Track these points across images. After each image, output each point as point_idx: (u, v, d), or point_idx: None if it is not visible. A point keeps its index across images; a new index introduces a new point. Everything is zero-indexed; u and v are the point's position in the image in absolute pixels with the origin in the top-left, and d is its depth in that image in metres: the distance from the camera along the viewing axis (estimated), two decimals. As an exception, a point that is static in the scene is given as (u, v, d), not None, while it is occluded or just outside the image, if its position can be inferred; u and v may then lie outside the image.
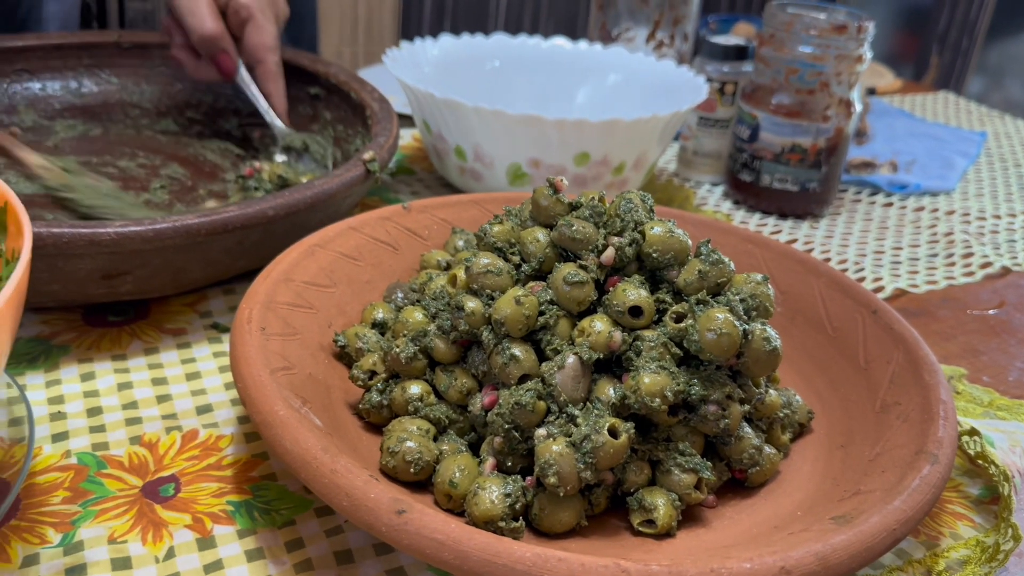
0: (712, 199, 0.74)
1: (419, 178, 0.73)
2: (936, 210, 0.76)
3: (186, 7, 0.63)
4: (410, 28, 2.00)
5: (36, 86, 0.73)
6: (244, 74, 0.67)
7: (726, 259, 0.39)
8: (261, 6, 0.65)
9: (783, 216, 0.71)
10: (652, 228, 0.39)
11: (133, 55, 0.75)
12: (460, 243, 0.51)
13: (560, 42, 0.78)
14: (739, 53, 0.72)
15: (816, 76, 0.66)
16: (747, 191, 0.71)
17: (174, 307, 0.51)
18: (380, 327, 0.45)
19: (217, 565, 0.35)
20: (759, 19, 1.03)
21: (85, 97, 0.73)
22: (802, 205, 0.70)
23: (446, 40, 0.75)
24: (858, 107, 0.68)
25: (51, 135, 0.70)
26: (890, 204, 0.76)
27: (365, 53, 1.93)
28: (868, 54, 0.67)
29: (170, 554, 0.36)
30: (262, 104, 0.67)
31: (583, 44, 0.78)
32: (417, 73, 0.70)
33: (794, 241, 0.68)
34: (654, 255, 0.39)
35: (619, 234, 0.40)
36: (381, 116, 0.63)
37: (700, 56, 0.74)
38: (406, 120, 0.83)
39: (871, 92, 1.05)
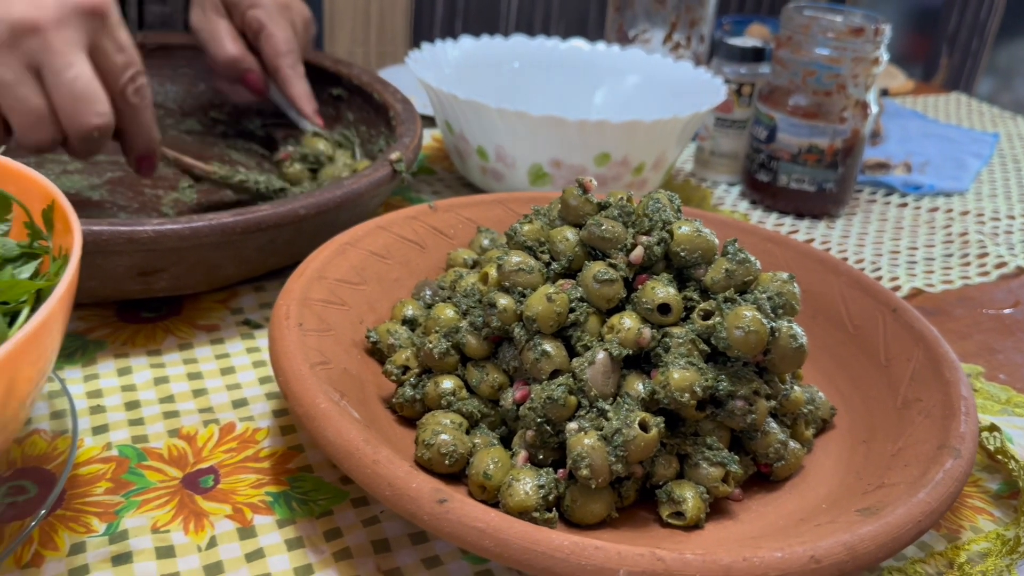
0: (729, 199, 0.75)
1: (439, 178, 0.74)
2: (950, 211, 0.77)
3: (206, 35, 0.65)
4: (422, 29, 2.01)
5: (62, 86, 0.74)
6: (273, 87, 0.68)
7: (752, 258, 0.40)
8: (271, 15, 0.65)
9: (800, 216, 0.72)
10: (680, 227, 0.40)
11: (157, 56, 0.75)
12: (485, 242, 0.52)
13: (578, 44, 0.79)
14: (756, 55, 0.73)
15: (833, 78, 0.67)
16: (764, 191, 0.72)
17: (206, 304, 0.52)
18: (410, 324, 0.46)
19: (258, 554, 0.36)
20: (773, 20, 1.04)
21: (111, 97, 0.74)
22: (819, 205, 0.71)
23: (466, 41, 0.76)
24: (874, 109, 0.69)
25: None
26: (905, 204, 0.77)
27: (377, 53, 1.93)
28: (884, 56, 0.67)
29: (212, 543, 0.37)
30: (292, 115, 0.69)
31: (601, 45, 0.79)
32: (438, 74, 0.71)
33: (811, 241, 0.69)
34: (682, 254, 0.40)
35: (647, 233, 0.41)
36: (405, 117, 0.64)
37: (717, 57, 0.75)
38: (426, 120, 0.84)
39: (884, 93, 1.05)
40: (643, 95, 0.75)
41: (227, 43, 0.64)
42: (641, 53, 0.77)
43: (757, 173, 0.72)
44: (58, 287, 0.31)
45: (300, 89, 0.66)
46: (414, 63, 0.69)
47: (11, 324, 0.33)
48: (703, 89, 0.70)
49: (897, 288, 0.63)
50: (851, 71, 0.67)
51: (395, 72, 0.94)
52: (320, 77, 0.72)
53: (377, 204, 0.58)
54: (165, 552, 0.36)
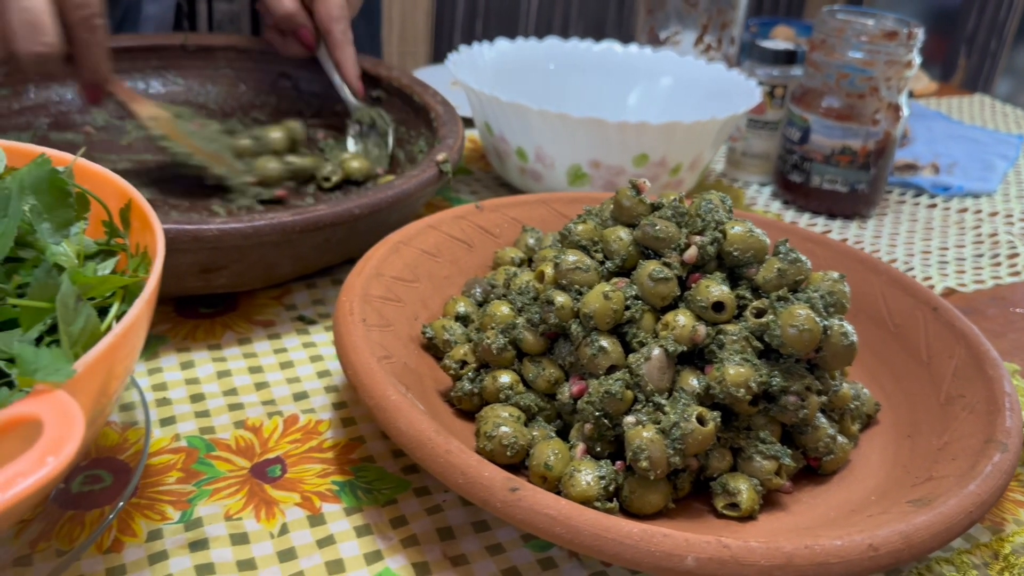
0: (761, 199, 0.76)
1: (476, 177, 0.76)
2: (979, 212, 0.77)
3: None
4: (443, 30, 2.02)
5: (107, 87, 0.75)
6: (321, 49, 0.71)
7: (803, 258, 0.41)
8: None
9: (832, 216, 0.73)
10: (733, 227, 0.42)
11: (198, 57, 0.77)
12: (531, 240, 0.53)
13: (612, 46, 0.80)
14: (788, 57, 0.74)
15: (866, 81, 0.68)
16: (797, 191, 0.73)
17: (261, 300, 0.54)
18: (463, 320, 0.48)
19: (329, 540, 0.38)
20: (798, 22, 1.05)
21: (153, 98, 0.76)
22: (850, 206, 0.72)
23: (502, 44, 0.77)
24: (905, 111, 0.70)
25: (123, 134, 0.72)
26: (934, 205, 0.78)
27: (399, 54, 1.95)
28: (917, 59, 0.69)
29: (284, 530, 0.38)
30: (336, 79, 0.71)
31: (634, 47, 0.80)
32: (476, 76, 0.73)
33: (844, 240, 0.70)
34: (735, 253, 0.41)
35: (700, 233, 0.42)
36: (446, 118, 0.65)
37: (750, 60, 0.76)
38: (465, 121, 0.86)
39: (909, 95, 1.06)
40: (677, 97, 0.76)
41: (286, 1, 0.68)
42: (674, 55, 0.78)
43: (790, 174, 0.73)
44: (148, 284, 0.33)
45: (348, 54, 0.70)
46: (454, 65, 0.70)
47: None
48: (737, 91, 0.71)
49: (930, 288, 0.64)
50: (884, 74, 0.68)
51: (422, 74, 0.95)
52: (361, 79, 0.74)
53: (423, 203, 0.59)
54: (239, 539, 0.37)
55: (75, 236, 0.37)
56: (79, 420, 0.25)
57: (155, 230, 0.36)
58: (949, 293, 0.64)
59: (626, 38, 2.15)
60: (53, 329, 0.33)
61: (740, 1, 0.82)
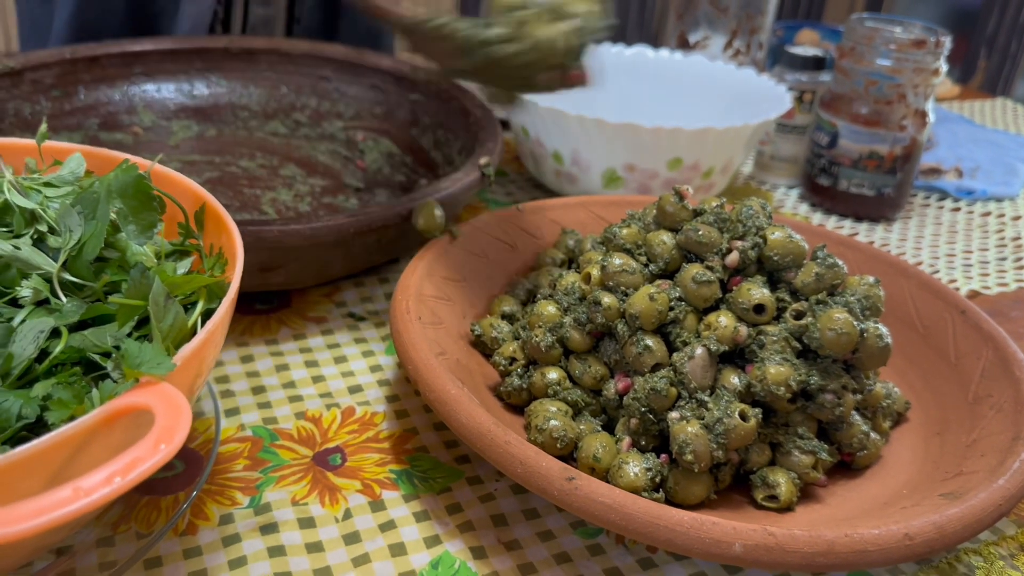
0: (789, 202, 0.78)
1: (511, 179, 0.78)
2: (1002, 215, 0.79)
3: None
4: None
5: (152, 88, 0.78)
6: None
7: (840, 262, 0.43)
8: None
9: (858, 219, 0.75)
10: (773, 233, 0.44)
11: (241, 59, 0.80)
12: (571, 242, 0.56)
13: (643, 50, 0.82)
14: (817, 63, 0.76)
15: (894, 88, 0.70)
16: (824, 194, 0.75)
17: (312, 297, 0.56)
18: (509, 318, 0.50)
19: (390, 525, 0.40)
20: (822, 25, 1.07)
21: (197, 99, 0.78)
22: (877, 209, 0.74)
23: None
24: (932, 117, 0.72)
25: (170, 135, 0.75)
26: (958, 209, 0.80)
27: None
28: (944, 67, 0.70)
29: (347, 515, 0.40)
30: None
31: (664, 52, 0.82)
32: None
33: (871, 243, 0.72)
34: (775, 258, 0.43)
35: (742, 238, 0.44)
36: (485, 122, 0.67)
37: (779, 65, 0.78)
38: (502, 124, 0.88)
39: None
40: (707, 101, 0.78)
41: None
42: (704, 60, 0.80)
43: (818, 177, 0.75)
44: (232, 285, 0.35)
45: None
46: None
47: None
48: (767, 97, 0.73)
49: (956, 290, 0.65)
50: (911, 81, 0.70)
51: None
52: (398, 82, 0.76)
53: (465, 205, 0.61)
54: (306, 523, 0.40)
55: (154, 237, 0.39)
56: (187, 410, 0.28)
57: (232, 233, 0.39)
58: (973, 295, 0.65)
59: (648, 38, 2.17)
60: (139, 325, 0.35)
61: (769, 6, 0.84)
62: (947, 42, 0.69)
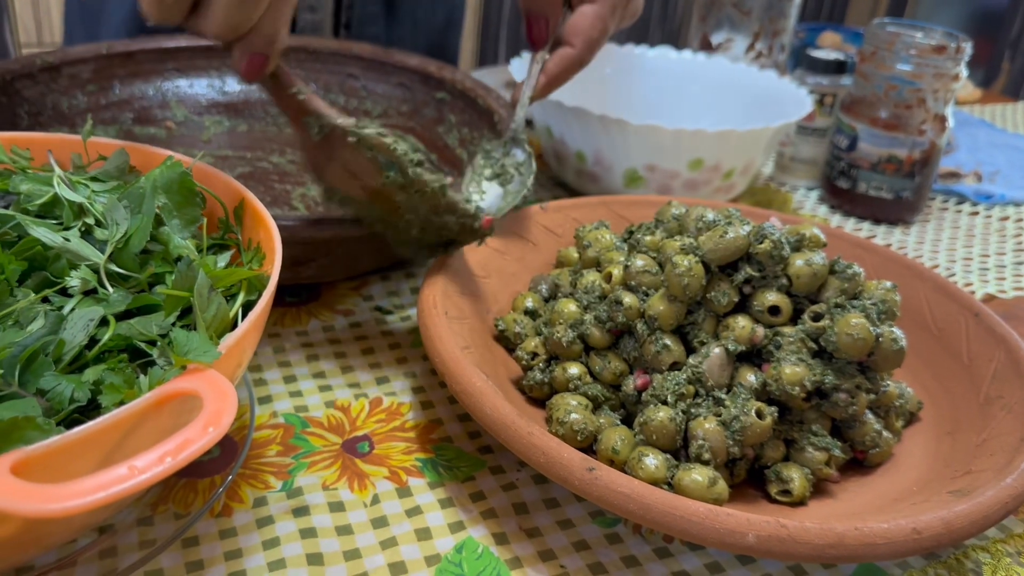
0: (808, 203, 0.79)
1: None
2: (1020, 220, 0.80)
3: None
4: (488, 31, 2.06)
5: (185, 83, 0.80)
6: (540, 55, 0.58)
7: (859, 270, 0.44)
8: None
9: (877, 222, 0.76)
10: (797, 273, 0.43)
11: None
12: (588, 241, 0.57)
13: (666, 51, 0.83)
14: (838, 67, 0.77)
15: (914, 92, 0.71)
16: (843, 197, 0.76)
17: (340, 291, 0.58)
18: (531, 314, 0.51)
19: (417, 511, 0.42)
20: (844, 28, 1.07)
21: (228, 95, 0.80)
22: (895, 212, 0.75)
23: (561, 49, 0.81)
24: (951, 122, 0.73)
25: (202, 130, 0.77)
26: (976, 213, 0.80)
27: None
28: (964, 72, 0.71)
29: (375, 500, 0.42)
30: (525, 94, 0.58)
31: (687, 53, 0.83)
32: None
33: (888, 246, 0.73)
34: (800, 296, 0.44)
35: (765, 277, 0.44)
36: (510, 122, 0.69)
37: (801, 68, 0.79)
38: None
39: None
40: (729, 103, 0.79)
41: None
42: (726, 62, 0.81)
43: (837, 179, 0.76)
44: (272, 277, 0.37)
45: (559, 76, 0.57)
46: (516, 71, 0.73)
47: (223, 306, 0.38)
48: (788, 100, 0.74)
49: (971, 294, 0.66)
50: (931, 86, 0.70)
51: (478, 75, 0.99)
52: (425, 81, 0.77)
53: (490, 203, 0.63)
54: (336, 507, 0.42)
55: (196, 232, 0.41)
56: (233, 395, 0.29)
57: (270, 228, 0.40)
58: (989, 299, 0.66)
59: (670, 37, 2.18)
60: (183, 314, 0.37)
61: (791, 9, 0.85)
62: (968, 48, 0.70)
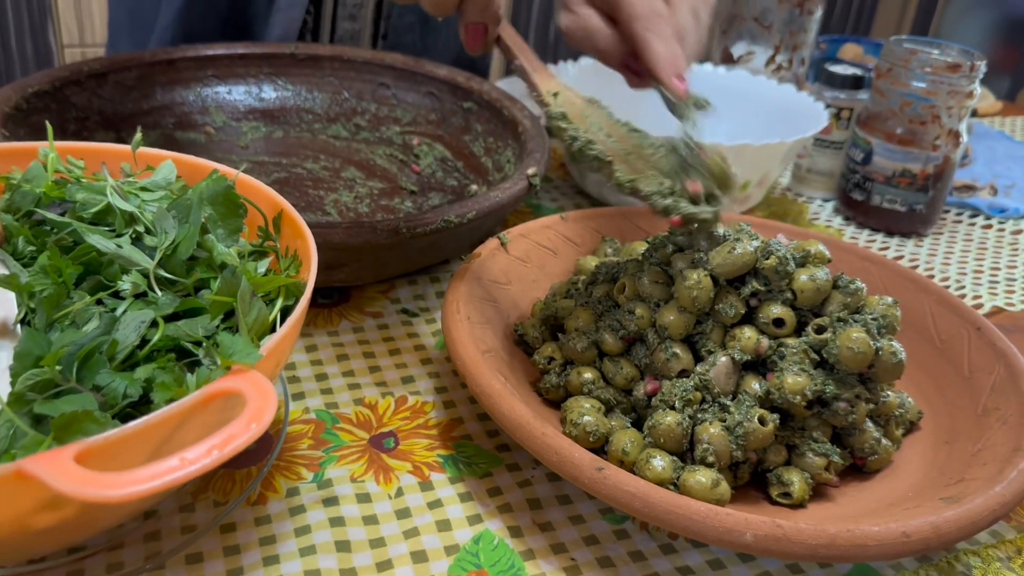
0: (824, 214, 0.81)
1: (555, 185, 0.82)
2: (1034, 233, 0.81)
3: (580, 35, 0.56)
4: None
5: (224, 90, 0.83)
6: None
7: (861, 285, 0.46)
8: None
9: (890, 234, 0.78)
10: (801, 288, 0.46)
11: (306, 65, 0.85)
12: (609, 250, 0.60)
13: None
14: (855, 82, 0.79)
15: (928, 109, 0.73)
16: (858, 209, 0.78)
17: (369, 293, 0.61)
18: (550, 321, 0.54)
19: (438, 503, 0.45)
20: (866, 40, 1.09)
21: (265, 102, 0.84)
22: (908, 224, 0.77)
23: (585, 61, 0.83)
24: (965, 138, 0.74)
25: (240, 135, 0.80)
26: (989, 226, 0.82)
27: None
28: (978, 90, 0.73)
29: (399, 493, 0.45)
30: (665, 94, 0.55)
31: (708, 66, 0.85)
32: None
33: (900, 258, 0.75)
34: (804, 309, 0.47)
35: (770, 291, 0.47)
36: (533, 132, 0.71)
37: (819, 82, 0.81)
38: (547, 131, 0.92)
39: (972, 114, 1.09)
40: (748, 115, 0.81)
41: (598, 33, 0.55)
42: (746, 75, 0.83)
43: (852, 192, 0.78)
44: (308, 284, 0.40)
45: (657, 50, 0.53)
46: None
47: (261, 310, 0.41)
48: (806, 114, 0.76)
49: (979, 306, 0.68)
50: (945, 103, 0.72)
51: (504, 84, 1.01)
52: (452, 91, 0.80)
53: (512, 211, 0.66)
54: (363, 498, 0.45)
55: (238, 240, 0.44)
56: (274, 394, 0.32)
57: (306, 237, 0.43)
58: (997, 311, 0.68)
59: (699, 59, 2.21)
60: (226, 317, 0.40)
61: (812, 24, 0.86)
62: (982, 66, 0.72)
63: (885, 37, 1.09)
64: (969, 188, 0.86)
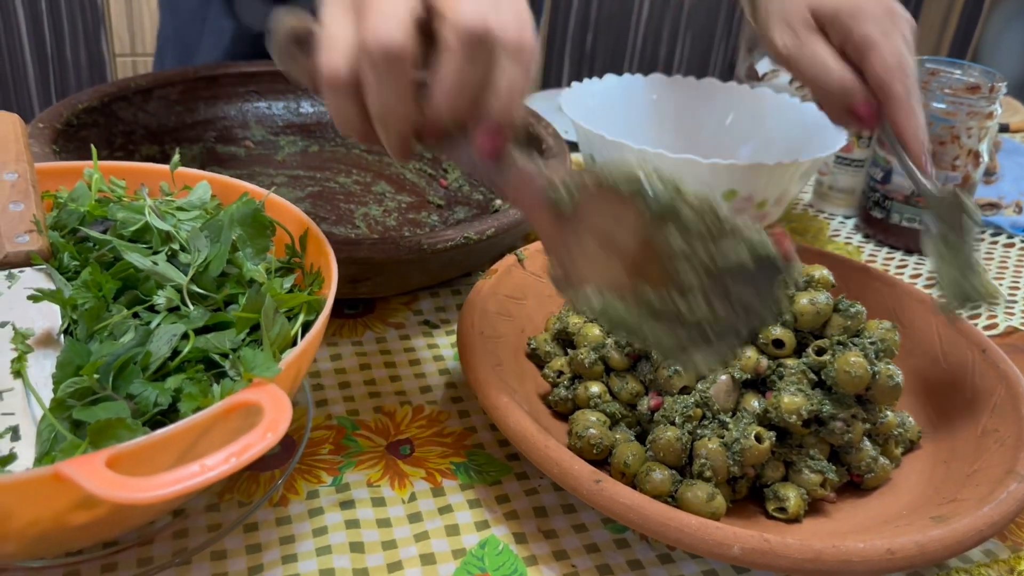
0: (844, 231, 0.82)
1: (580, 199, 0.84)
2: (1057, 252, 0.81)
3: (806, 61, 0.54)
4: (552, 54, 2.11)
5: (263, 105, 0.87)
6: (885, 121, 0.55)
7: (861, 308, 0.48)
8: (882, 27, 0.52)
9: (909, 252, 0.79)
10: (800, 300, 0.48)
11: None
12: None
13: (712, 81, 0.87)
14: (877, 101, 0.80)
15: (948, 129, 0.73)
16: (877, 227, 0.79)
17: (393, 305, 0.64)
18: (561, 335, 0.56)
19: (448, 508, 0.47)
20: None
21: (303, 116, 0.87)
22: (927, 243, 0.78)
23: (610, 79, 0.85)
24: (985, 158, 0.75)
25: (277, 149, 0.84)
26: (1012, 245, 0.82)
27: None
28: (999, 111, 0.73)
29: (412, 498, 0.48)
30: (901, 155, 0.54)
31: (732, 84, 0.87)
32: (584, 106, 0.81)
33: (918, 275, 0.76)
34: (804, 331, 0.48)
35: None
36: (556, 150, 0.74)
37: (840, 102, 0.82)
38: (570, 145, 0.94)
39: (1003, 129, 1.09)
40: (771, 133, 0.82)
41: (833, 67, 0.53)
42: (770, 92, 0.84)
43: (872, 210, 0.79)
44: (327, 302, 0.43)
45: (912, 120, 0.52)
46: (566, 103, 0.78)
47: (285, 324, 0.44)
48: (826, 132, 0.77)
49: (995, 325, 0.69)
50: (964, 124, 0.73)
51: (536, 98, 1.04)
52: (481, 106, 0.83)
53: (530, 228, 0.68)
54: (378, 502, 0.47)
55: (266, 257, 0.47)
56: (288, 407, 0.35)
57: (329, 256, 0.46)
58: (1012, 332, 0.69)
59: (728, 68, 2.23)
60: (251, 331, 0.43)
61: (837, 42, 0.87)
62: (1002, 87, 0.72)
63: (923, 54, 1.09)
64: (994, 206, 0.86)
